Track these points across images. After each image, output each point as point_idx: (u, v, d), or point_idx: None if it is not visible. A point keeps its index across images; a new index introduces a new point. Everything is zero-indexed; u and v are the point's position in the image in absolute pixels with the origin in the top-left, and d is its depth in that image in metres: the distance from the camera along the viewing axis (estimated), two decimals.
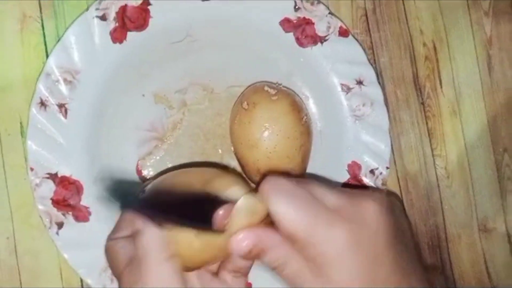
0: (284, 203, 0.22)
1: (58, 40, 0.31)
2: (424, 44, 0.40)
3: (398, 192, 0.39)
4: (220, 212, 0.23)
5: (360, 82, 0.35)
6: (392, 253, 0.22)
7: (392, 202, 0.24)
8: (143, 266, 0.21)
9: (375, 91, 0.36)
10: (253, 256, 0.23)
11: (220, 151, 0.35)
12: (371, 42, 0.39)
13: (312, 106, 0.36)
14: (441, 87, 0.41)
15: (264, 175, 0.26)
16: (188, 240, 0.22)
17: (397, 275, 0.22)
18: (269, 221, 0.23)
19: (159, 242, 0.21)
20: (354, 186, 0.35)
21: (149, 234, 0.22)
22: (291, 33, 0.35)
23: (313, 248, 0.21)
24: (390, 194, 0.38)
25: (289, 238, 0.22)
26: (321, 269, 0.22)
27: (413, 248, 0.25)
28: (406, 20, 0.40)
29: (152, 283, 0.21)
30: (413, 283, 0.22)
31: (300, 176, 0.32)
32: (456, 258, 0.40)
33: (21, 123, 0.32)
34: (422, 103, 0.40)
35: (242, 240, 0.22)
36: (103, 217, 0.31)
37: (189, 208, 0.23)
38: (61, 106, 0.30)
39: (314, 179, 0.24)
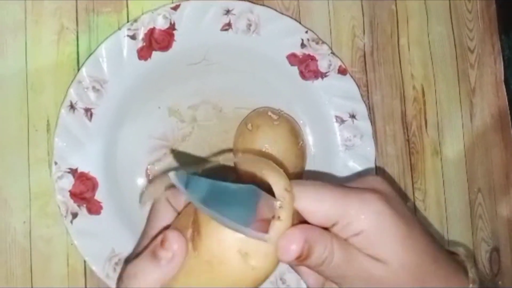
0: (308, 194, 0.21)
1: (92, 52, 0.35)
2: (414, 87, 0.44)
3: None
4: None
5: (353, 116, 0.39)
6: (412, 216, 0.23)
7: (390, 188, 0.24)
8: None
9: (365, 125, 0.39)
10: (304, 257, 0.21)
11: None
12: (367, 81, 0.43)
13: (308, 133, 0.40)
14: (426, 127, 0.44)
15: None
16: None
17: (427, 235, 0.23)
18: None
19: None
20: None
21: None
22: (296, 67, 0.39)
23: (350, 223, 0.21)
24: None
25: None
26: (363, 241, 0.21)
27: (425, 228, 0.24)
28: (400, 64, 0.44)
29: None
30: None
31: None
32: None
33: (48, 121, 0.36)
34: (408, 140, 0.44)
35: (290, 243, 0.21)
36: (113, 212, 0.34)
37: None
38: (87, 110, 0.34)
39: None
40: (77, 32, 0.36)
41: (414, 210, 0.43)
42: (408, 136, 0.44)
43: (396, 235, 0.22)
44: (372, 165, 0.40)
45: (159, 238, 0.22)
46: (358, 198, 0.22)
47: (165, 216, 0.24)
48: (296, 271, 0.26)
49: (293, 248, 0.21)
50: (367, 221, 0.22)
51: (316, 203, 0.22)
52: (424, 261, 0.22)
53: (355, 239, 0.22)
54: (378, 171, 0.41)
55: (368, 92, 0.42)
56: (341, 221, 0.22)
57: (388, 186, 0.24)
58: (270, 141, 0.34)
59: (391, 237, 0.22)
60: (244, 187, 0.22)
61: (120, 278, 0.23)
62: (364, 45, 0.43)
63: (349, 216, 0.22)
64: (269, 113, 0.36)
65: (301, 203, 0.22)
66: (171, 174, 0.21)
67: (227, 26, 0.37)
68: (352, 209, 0.22)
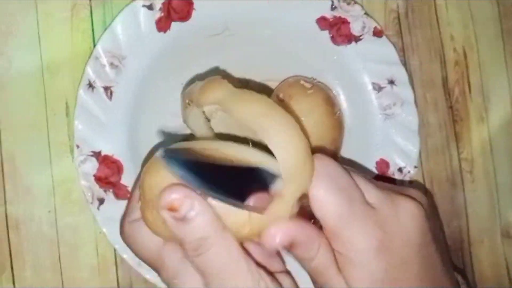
0: (325, 187, 0.21)
1: (108, 26, 0.32)
2: (455, 50, 0.41)
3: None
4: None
5: (391, 82, 0.36)
6: (423, 260, 0.21)
7: (429, 204, 0.23)
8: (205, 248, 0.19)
9: (406, 92, 0.36)
10: (285, 248, 0.21)
11: (250, 143, 0.36)
12: (402, 45, 0.40)
13: (342, 103, 0.37)
14: (470, 92, 0.41)
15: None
16: (241, 223, 0.20)
17: (424, 281, 0.21)
18: (303, 203, 0.21)
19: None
20: (387, 179, 0.36)
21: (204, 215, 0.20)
22: (327, 31, 0.36)
23: (341, 241, 0.21)
24: (426, 194, 0.38)
25: (321, 222, 0.21)
26: (345, 265, 0.21)
27: (444, 252, 0.23)
28: (438, 25, 0.41)
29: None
30: None
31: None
32: (478, 262, 0.40)
33: (66, 103, 0.34)
34: (451, 107, 0.41)
35: (276, 235, 0.20)
36: None
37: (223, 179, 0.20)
38: (107, 88, 0.32)
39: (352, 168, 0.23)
40: (91, 7, 0.34)
41: (462, 184, 0.40)
42: (451, 102, 0.41)
43: (376, 272, 0.21)
44: (416, 135, 0.37)
45: (165, 202, 0.20)
46: (362, 217, 0.21)
47: (138, 235, 0.23)
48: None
49: (277, 240, 0.20)
50: (358, 242, 0.21)
51: (324, 200, 0.21)
52: None
53: (337, 254, 0.21)
54: (421, 143, 0.38)
55: (404, 58, 0.39)
56: (338, 228, 0.21)
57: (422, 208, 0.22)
58: (305, 111, 0.31)
59: (370, 273, 0.21)
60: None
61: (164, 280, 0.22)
62: (398, 6, 0.40)
63: (348, 229, 0.21)
64: (302, 82, 0.33)
65: (315, 190, 0.21)
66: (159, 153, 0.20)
67: None
68: (354, 223, 0.21)
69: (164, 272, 0.22)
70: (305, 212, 0.22)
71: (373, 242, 0.20)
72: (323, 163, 0.21)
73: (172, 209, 0.19)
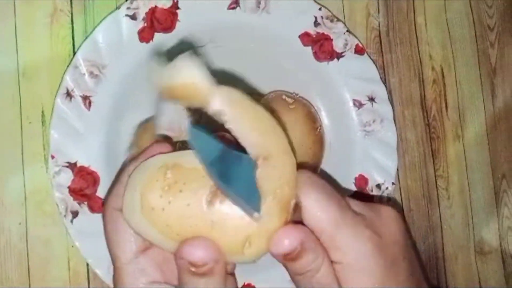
0: (316, 197, 0.21)
1: (89, 35, 0.32)
2: (433, 68, 0.42)
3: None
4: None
5: (372, 99, 0.37)
6: (407, 260, 0.22)
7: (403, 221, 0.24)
8: None
9: (385, 109, 0.37)
10: (292, 258, 0.20)
11: None
12: (383, 62, 0.40)
13: (324, 119, 0.37)
14: (447, 110, 0.42)
15: None
16: (244, 225, 0.20)
17: (411, 282, 0.22)
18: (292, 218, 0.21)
19: None
20: (365, 197, 0.36)
21: None
22: (310, 47, 0.36)
23: (339, 248, 0.21)
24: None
25: (316, 232, 0.21)
26: (345, 275, 0.21)
27: (419, 259, 0.25)
28: (417, 44, 0.42)
29: None
30: None
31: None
32: (452, 278, 0.41)
33: (43, 112, 0.33)
34: (428, 125, 0.42)
35: (285, 236, 0.20)
36: None
37: None
38: (85, 98, 0.31)
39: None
40: (72, 14, 0.34)
41: (437, 200, 0.41)
42: (428, 120, 0.41)
43: (373, 274, 0.21)
44: (394, 152, 0.37)
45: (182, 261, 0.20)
46: (353, 223, 0.21)
47: (117, 223, 0.22)
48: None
49: (286, 243, 0.20)
50: (352, 248, 0.21)
51: (317, 209, 0.21)
52: None
53: (335, 265, 0.21)
54: (399, 159, 0.38)
55: (385, 75, 0.40)
56: (332, 236, 0.21)
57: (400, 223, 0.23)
58: (287, 126, 0.31)
59: (371, 276, 0.21)
60: (246, 157, 0.20)
61: None
62: (379, 24, 0.40)
63: (341, 235, 0.21)
64: (284, 97, 0.33)
65: (306, 200, 0.21)
66: (189, 127, 0.19)
67: (235, 4, 0.34)
68: (346, 230, 0.21)
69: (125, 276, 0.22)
70: None
71: (368, 245, 0.21)
72: (309, 175, 0.22)
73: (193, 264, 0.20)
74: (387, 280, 0.21)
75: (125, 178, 0.22)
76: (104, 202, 0.24)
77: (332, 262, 0.21)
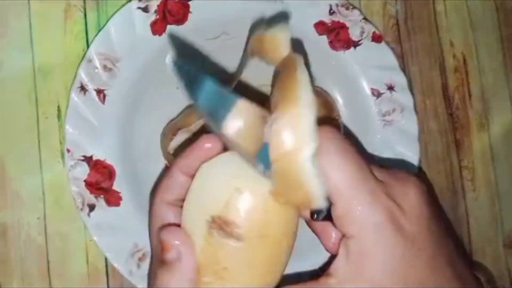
0: (335, 155, 0.20)
1: (101, 28, 0.32)
2: (454, 56, 0.40)
3: None
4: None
5: (391, 88, 0.36)
6: (435, 235, 0.20)
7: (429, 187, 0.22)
8: None
9: (405, 98, 0.36)
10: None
11: None
12: (401, 51, 0.39)
13: (341, 109, 0.36)
14: (470, 99, 0.41)
15: None
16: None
17: (439, 262, 0.20)
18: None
19: None
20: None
21: None
22: (325, 36, 0.35)
23: (351, 220, 0.20)
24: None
25: (333, 195, 0.20)
26: (355, 248, 0.19)
27: (453, 235, 0.22)
28: (437, 31, 0.40)
29: None
30: (458, 272, 0.21)
31: None
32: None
33: (58, 107, 0.33)
34: (451, 114, 0.40)
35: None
36: (134, 202, 0.31)
37: None
38: (99, 91, 0.31)
39: None
40: (85, 9, 0.34)
41: (463, 192, 0.39)
42: (451, 109, 0.40)
43: (388, 250, 0.19)
44: (416, 142, 0.36)
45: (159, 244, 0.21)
46: (372, 190, 0.20)
47: (164, 217, 0.22)
48: (315, 232, 0.23)
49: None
50: (368, 218, 0.20)
51: (339, 166, 0.20)
52: None
53: (349, 241, 0.20)
54: (421, 150, 0.37)
55: (404, 64, 0.39)
56: (349, 199, 0.20)
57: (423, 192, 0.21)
58: None
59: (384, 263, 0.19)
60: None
61: None
62: (397, 12, 0.39)
63: (358, 201, 0.20)
64: None
65: (324, 157, 0.19)
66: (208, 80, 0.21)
67: None
68: (365, 196, 0.20)
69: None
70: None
71: (382, 218, 0.19)
72: (332, 133, 0.20)
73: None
74: (408, 258, 0.19)
75: (175, 173, 0.22)
76: (151, 196, 0.24)
77: (344, 237, 0.20)
